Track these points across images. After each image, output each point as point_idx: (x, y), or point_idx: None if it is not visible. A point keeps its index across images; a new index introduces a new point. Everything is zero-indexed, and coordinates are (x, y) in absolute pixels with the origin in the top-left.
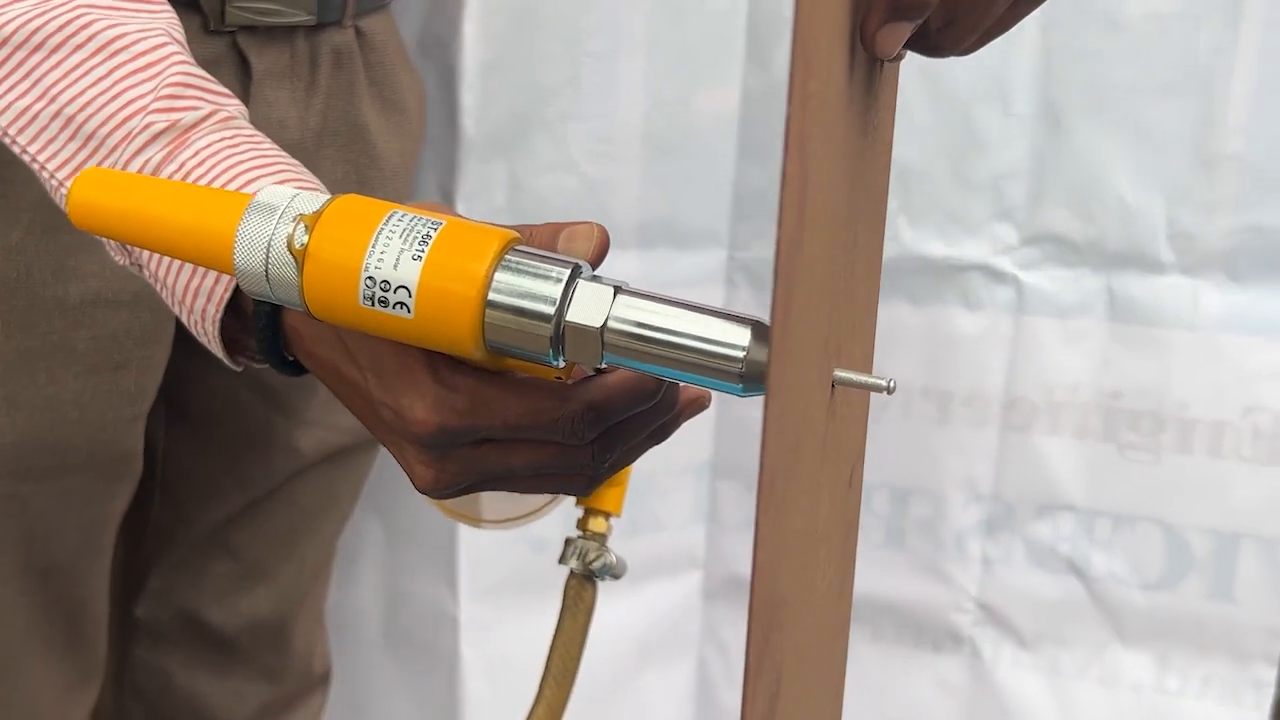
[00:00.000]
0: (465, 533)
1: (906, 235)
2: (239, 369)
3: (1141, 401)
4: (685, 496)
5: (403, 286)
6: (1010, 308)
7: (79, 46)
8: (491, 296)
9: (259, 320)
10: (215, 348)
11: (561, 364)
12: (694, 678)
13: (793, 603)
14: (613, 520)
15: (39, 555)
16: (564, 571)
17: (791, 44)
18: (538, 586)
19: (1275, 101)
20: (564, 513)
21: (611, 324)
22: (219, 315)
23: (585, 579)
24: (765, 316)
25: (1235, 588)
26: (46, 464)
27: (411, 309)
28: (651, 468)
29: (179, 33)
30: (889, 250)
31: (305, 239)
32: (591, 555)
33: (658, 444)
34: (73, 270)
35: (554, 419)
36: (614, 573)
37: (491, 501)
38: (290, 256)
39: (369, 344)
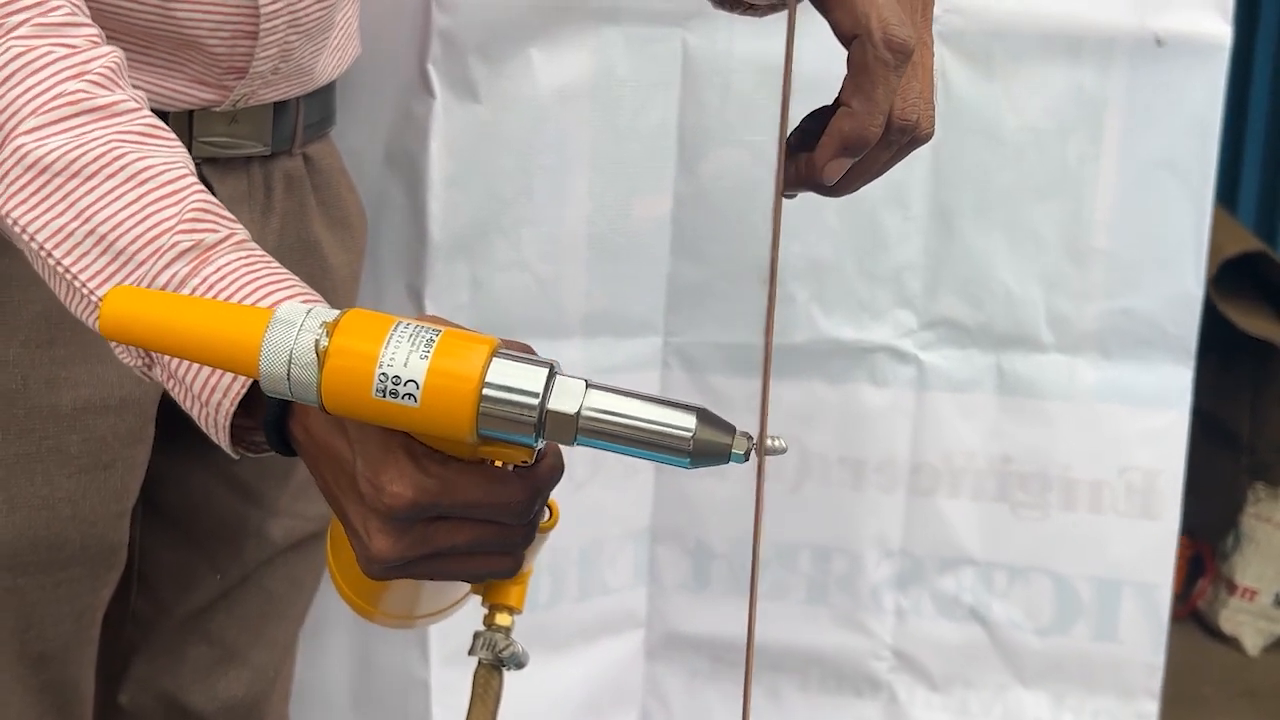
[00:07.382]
0: None
1: (822, 322)
2: (237, 457)
3: (1029, 465)
4: (627, 561)
5: (411, 380)
6: (912, 384)
7: (111, 175)
8: (486, 391)
9: (271, 406)
10: (223, 437)
11: (540, 445)
12: None
13: None
14: (515, 616)
15: (33, 642)
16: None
17: (774, 201)
18: None
19: (1134, 202)
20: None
21: (585, 411)
22: (233, 409)
23: (493, 668)
24: (697, 395)
25: (1119, 629)
26: (42, 558)
27: (418, 399)
28: (597, 535)
29: (191, 165)
30: (807, 335)
31: (326, 342)
32: (501, 645)
33: None
34: (65, 379)
35: (505, 502)
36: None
37: (424, 599)
38: (312, 358)
39: (361, 429)
